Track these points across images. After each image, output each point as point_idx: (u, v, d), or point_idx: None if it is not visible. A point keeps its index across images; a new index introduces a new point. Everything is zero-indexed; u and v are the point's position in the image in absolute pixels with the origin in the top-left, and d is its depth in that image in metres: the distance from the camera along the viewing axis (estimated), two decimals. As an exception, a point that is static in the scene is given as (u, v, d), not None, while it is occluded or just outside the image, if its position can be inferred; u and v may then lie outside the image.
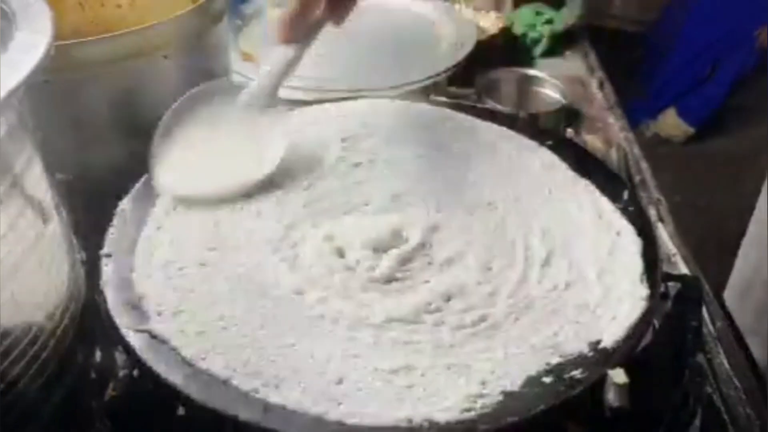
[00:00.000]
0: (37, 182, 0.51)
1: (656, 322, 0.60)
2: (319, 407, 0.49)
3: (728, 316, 0.76)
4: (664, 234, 0.86)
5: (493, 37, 1.18)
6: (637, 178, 0.98)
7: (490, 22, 1.21)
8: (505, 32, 1.22)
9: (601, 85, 1.20)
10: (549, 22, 1.27)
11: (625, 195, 0.67)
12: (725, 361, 0.71)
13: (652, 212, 0.88)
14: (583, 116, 1.11)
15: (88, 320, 0.56)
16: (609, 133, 1.08)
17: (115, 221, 0.63)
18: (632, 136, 1.08)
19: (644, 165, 1.01)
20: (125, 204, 0.65)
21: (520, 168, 0.71)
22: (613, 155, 1.01)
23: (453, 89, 1.05)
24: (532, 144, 0.74)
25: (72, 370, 0.52)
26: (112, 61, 0.66)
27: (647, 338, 0.57)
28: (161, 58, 0.69)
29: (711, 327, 0.74)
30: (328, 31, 0.69)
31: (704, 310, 0.71)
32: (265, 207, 0.66)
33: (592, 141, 1.05)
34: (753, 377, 0.70)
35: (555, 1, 1.32)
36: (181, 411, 0.52)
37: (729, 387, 0.69)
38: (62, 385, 0.51)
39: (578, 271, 0.60)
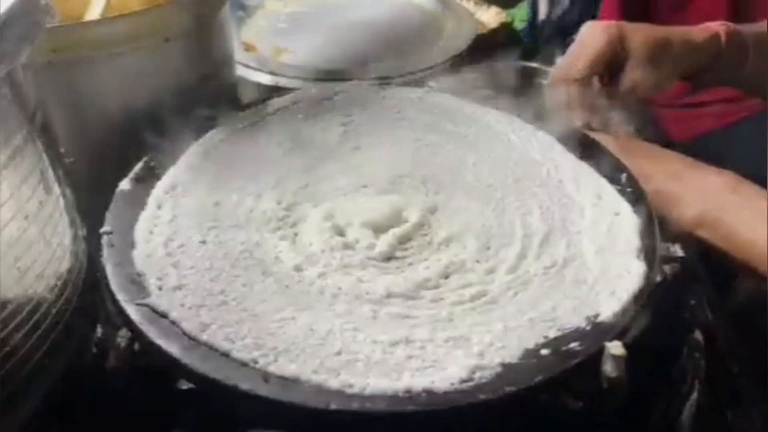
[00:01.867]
0: (39, 156, 0.51)
1: (656, 302, 0.60)
2: (318, 377, 0.49)
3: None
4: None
5: (493, 31, 1.19)
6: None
7: (491, 17, 1.22)
8: (506, 27, 1.22)
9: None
10: (549, 18, 1.27)
11: (624, 177, 0.67)
12: (725, 344, 0.71)
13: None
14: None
15: (89, 295, 0.56)
16: (610, 127, 1.08)
17: (115, 201, 0.63)
18: (633, 129, 1.08)
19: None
20: (125, 185, 0.65)
21: (520, 150, 0.72)
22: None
23: (452, 83, 1.05)
24: (531, 127, 0.74)
25: (73, 341, 0.52)
26: (113, 43, 0.66)
27: (646, 318, 0.57)
28: (163, 41, 0.69)
29: (709, 313, 0.74)
30: (327, 22, 0.69)
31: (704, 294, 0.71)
32: (266, 188, 0.67)
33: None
34: (753, 359, 0.70)
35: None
36: (181, 384, 0.53)
37: (730, 368, 0.69)
38: (62, 357, 0.51)
39: (577, 249, 0.61)
